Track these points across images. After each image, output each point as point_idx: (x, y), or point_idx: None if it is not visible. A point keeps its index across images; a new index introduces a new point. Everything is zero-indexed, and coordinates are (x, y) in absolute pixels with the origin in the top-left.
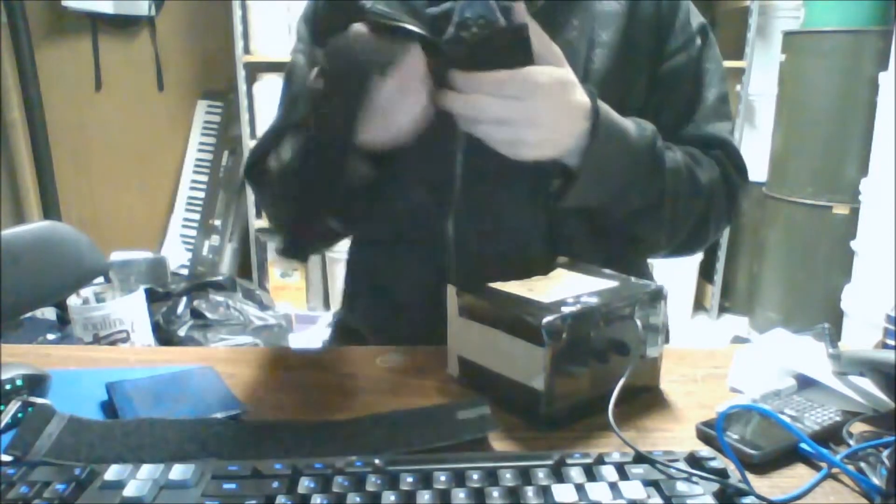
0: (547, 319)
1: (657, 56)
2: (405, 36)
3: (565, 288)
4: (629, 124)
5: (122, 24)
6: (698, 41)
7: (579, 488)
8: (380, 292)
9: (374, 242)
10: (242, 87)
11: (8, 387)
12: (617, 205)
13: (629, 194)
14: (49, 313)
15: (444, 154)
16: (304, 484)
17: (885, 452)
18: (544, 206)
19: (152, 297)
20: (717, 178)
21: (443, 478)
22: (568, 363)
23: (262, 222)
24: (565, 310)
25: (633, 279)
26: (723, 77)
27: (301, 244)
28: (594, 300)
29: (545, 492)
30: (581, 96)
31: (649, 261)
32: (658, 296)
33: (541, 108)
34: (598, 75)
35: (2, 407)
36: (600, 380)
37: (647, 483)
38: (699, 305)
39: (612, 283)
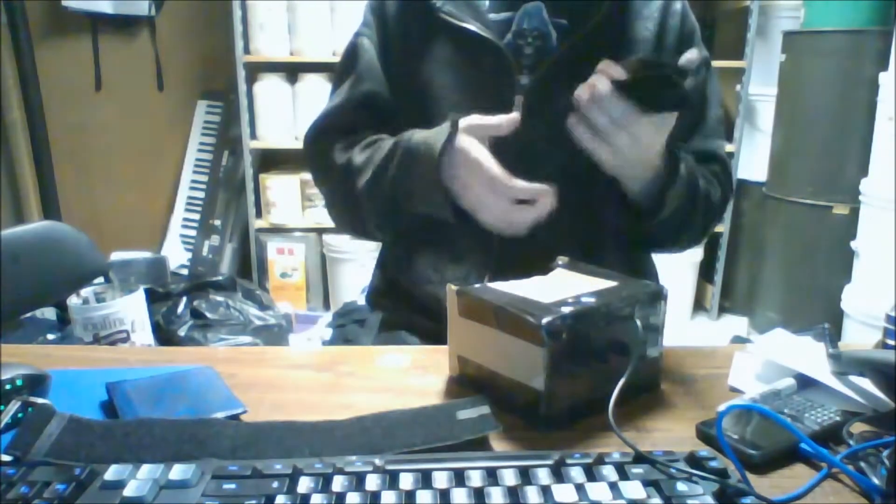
0: (547, 319)
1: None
2: (473, 38)
3: (565, 288)
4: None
5: (122, 24)
6: (704, 70)
7: (579, 488)
8: (425, 267)
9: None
10: (242, 87)
11: (8, 387)
12: (658, 216)
13: (671, 210)
14: (49, 313)
15: (499, 148)
16: (304, 484)
17: (885, 452)
18: (581, 203)
19: (152, 297)
20: (720, 195)
21: (443, 478)
22: (568, 363)
23: (263, 222)
24: (565, 310)
25: (633, 279)
26: (720, 101)
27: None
28: (594, 300)
29: (545, 492)
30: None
31: (655, 262)
32: (658, 296)
33: (650, 132)
34: None
35: (2, 407)
36: (600, 380)
37: (647, 483)
38: (699, 305)
39: (612, 283)
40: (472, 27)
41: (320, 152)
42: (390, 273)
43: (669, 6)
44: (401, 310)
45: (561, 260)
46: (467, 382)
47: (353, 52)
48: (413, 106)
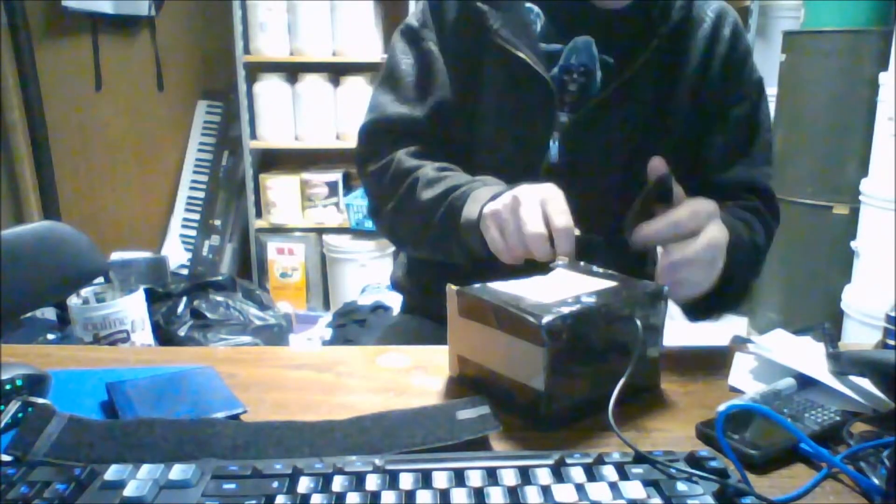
0: (547, 319)
1: (723, 102)
2: (521, 65)
3: (565, 288)
4: (734, 231)
5: (122, 24)
6: (757, 93)
7: (579, 488)
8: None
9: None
10: (242, 87)
11: (8, 387)
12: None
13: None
14: (49, 313)
15: (531, 165)
16: (304, 484)
17: (886, 452)
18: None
19: (152, 297)
20: (764, 238)
21: (443, 478)
22: (568, 363)
23: (263, 222)
24: (565, 310)
25: (632, 279)
26: (770, 126)
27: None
28: (594, 300)
29: (545, 492)
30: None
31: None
32: (658, 296)
33: (713, 239)
34: (678, 120)
35: (2, 407)
36: (600, 380)
37: (647, 483)
38: None
39: (612, 283)
40: (522, 56)
41: (379, 146)
42: (413, 268)
43: (718, 33)
44: (422, 295)
45: (560, 260)
46: (467, 382)
47: (422, 56)
48: (456, 123)
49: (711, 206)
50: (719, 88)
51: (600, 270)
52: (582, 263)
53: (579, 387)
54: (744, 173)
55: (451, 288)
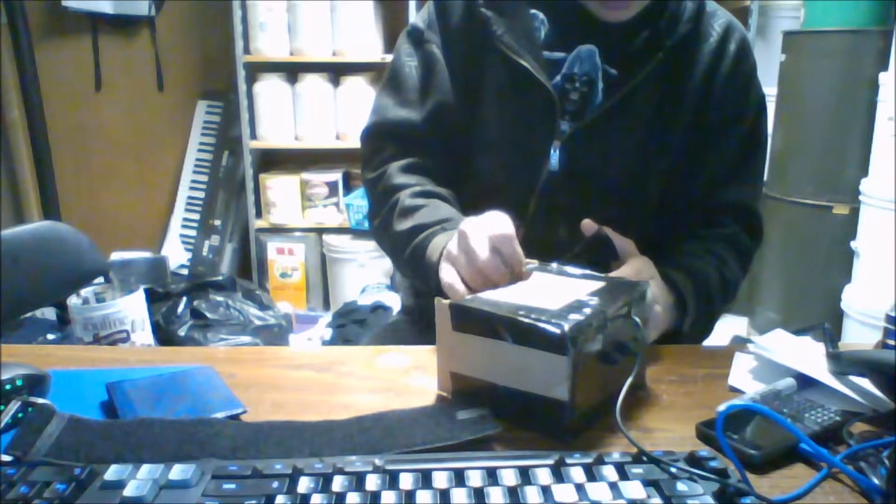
0: (569, 327)
1: (723, 118)
2: (524, 72)
3: (557, 292)
4: (680, 276)
5: (122, 24)
6: (757, 111)
7: (579, 488)
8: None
9: None
10: (242, 87)
11: (8, 387)
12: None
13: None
14: (49, 313)
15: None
16: (304, 484)
17: (885, 452)
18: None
19: (152, 297)
20: (739, 268)
21: (443, 478)
22: (586, 369)
23: (263, 222)
24: (579, 315)
25: (612, 278)
26: (766, 141)
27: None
28: (598, 303)
29: (545, 492)
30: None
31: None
32: (644, 294)
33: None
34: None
35: (2, 407)
36: (608, 381)
37: (648, 483)
38: None
39: (599, 283)
40: (525, 63)
41: (376, 152)
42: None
43: (723, 49)
44: (421, 296)
45: (531, 263)
46: (464, 401)
47: (425, 58)
48: (456, 126)
49: (650, 270)
50: (721, 105)
51: (575, 272)
52: (554, 265)
53: (594, 391)
54: (732, 195)
55: (442, 302)
